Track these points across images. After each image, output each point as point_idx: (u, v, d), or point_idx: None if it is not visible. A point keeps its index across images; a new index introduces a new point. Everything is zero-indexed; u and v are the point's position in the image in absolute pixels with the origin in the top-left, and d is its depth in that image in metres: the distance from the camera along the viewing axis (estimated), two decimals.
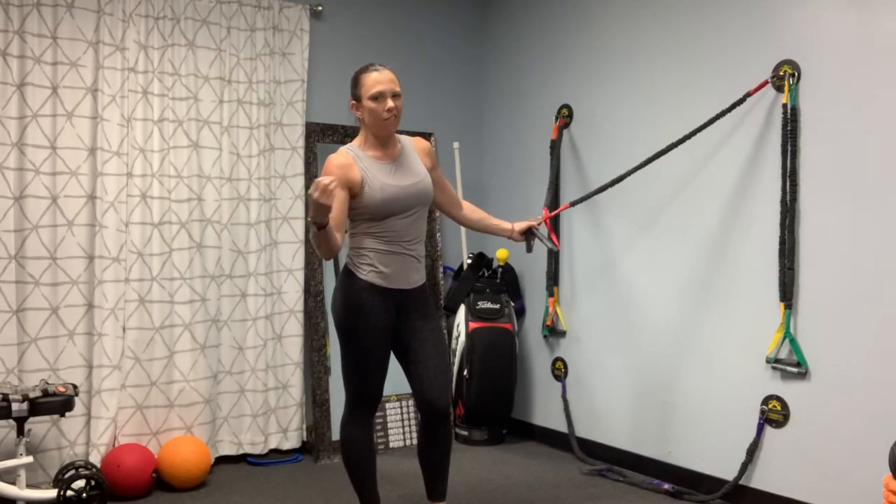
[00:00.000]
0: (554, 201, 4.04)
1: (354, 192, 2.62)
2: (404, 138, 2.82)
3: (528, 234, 3.02)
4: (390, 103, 2.62)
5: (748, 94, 3.12)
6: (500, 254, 4.33)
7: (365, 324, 2.66)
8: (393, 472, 3.72)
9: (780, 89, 3.08)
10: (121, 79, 3.58)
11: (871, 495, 2.78)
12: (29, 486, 3.21)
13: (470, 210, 3.01)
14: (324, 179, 2.28)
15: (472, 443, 4.22)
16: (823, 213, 2.95)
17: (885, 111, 2.77)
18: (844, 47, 2.89)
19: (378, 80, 2.62)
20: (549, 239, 3.00)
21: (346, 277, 2.69)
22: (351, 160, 2.63)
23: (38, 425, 3.38)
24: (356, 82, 2.68)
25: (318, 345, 4.02)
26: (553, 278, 4.14)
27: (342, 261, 4.11)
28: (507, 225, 3.01)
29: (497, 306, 4.22)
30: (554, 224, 4.12)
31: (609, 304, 3.86)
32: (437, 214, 4.42)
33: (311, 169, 4.09)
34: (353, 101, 2.69)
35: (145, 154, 3.64)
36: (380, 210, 2.63)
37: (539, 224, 3.05)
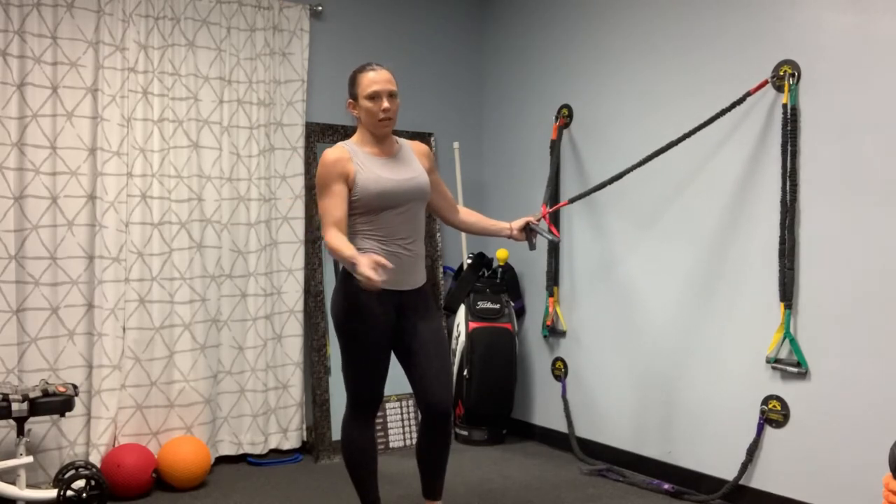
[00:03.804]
0: (553, 199, 4.04)
1: (349, 185, 2.63)
2: (403, 140, 2.83)
3: (528, 231, 3.00)
4: (386, 104, 2.64)
5: (748, 94, 3.12)
6: (500, 254, 4.33)
7: (364, 326, 2.65)
8: (393, 472, 3.72)
9: (780, 89, 3.08)
10: (121, 79, 3.58)
11: (871, 495, 2.78)
12: (29, 486, 3.21)
13: (466, 214, 3.02)
14: (377, 264, 2.33)
15: (472, 443, 4.22)
16: (823, 213, 2.95)
17: (885, 111, 2.77)
18: (844, 47, 2.89)
19: (374, 79, 2.64)
20: (549, 231, 2.99)
21: (346, 279, 2.68)
22: (347, 154, 2.64)
23: (38, 425, 3.38)
24: (353, 81, 2.70)
25: (318, 345, 4.02)
26: (553, 278, 4.14)
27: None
28: (504, 225, 2.99)
29: (497, 306, 4.22)
30: (554, 223, 4.12)
31: (609, 304, 3.86)
32: None
33: (311, 169, 4.09)
34: (350, 100, 2.72)
35: (145, 154, 3.64)
36: (374, 202, 2.62)
37: (538, 220, 3.04)
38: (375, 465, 2.81)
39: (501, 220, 3.05)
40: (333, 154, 2.63)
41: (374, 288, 2.33)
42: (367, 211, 2.65)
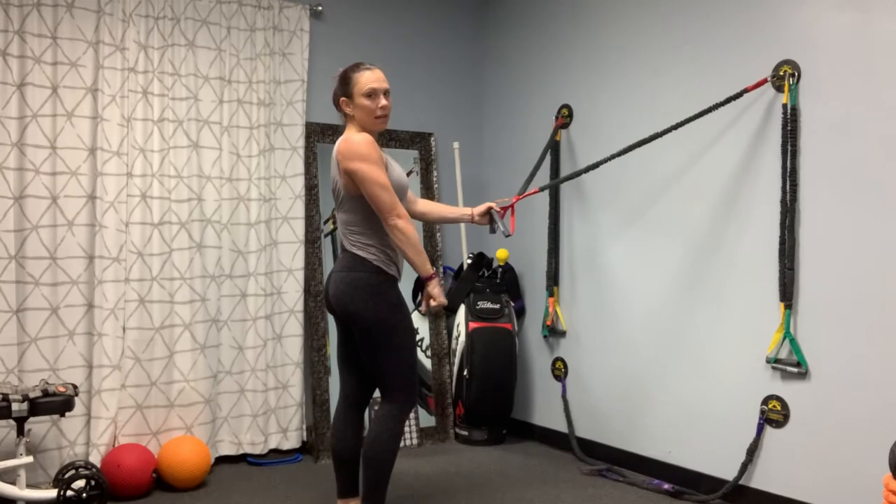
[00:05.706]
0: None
1: None
2: None
3: (490, 216, 3.08)
4: (383, 101, 2.72)
5: (745, 90, 3.12)
6: (500, 254, 4.33)
7: (409, 316, 2.77)
8: (393, 471, 3.72)
9: (779, 89, 3.08)
10: (121, 79, 3.58)
11: (871, 495, 2.78)
12: (29, 486, 3.21)
13: (423, 204, 3.10)
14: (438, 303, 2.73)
15: (472, 443, 4.22)
16: (823, 213, 2.95)
17: (885, 111, 2.77)
18: (844, 47, 2.89)
19: (371, 78, 2.72)
20: (506, 223, 3.08)
21: (376, 275, 2.71)
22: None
23: (38, 425, 3.38)
24: (347, 80, 2.76)
25: (318, 345, 4.02)
26: (553, 278, 4.14)
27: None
28: (466, 211, 3.10)
29: (497, 306, 4.22)
30: (554, 224, 4.13)
31: (609, 305, 3.86)
32: None
33: (311, 169, 4.09)
34: (344, 98, 2.76)
35: (145, 154, 3.64)
36: (399, 194, 2.73)
37: (506, 208, 3.10)
38: None
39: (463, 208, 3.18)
40: (369, 138, 2.67)
41: (439, 308, 2.73)
42: None
